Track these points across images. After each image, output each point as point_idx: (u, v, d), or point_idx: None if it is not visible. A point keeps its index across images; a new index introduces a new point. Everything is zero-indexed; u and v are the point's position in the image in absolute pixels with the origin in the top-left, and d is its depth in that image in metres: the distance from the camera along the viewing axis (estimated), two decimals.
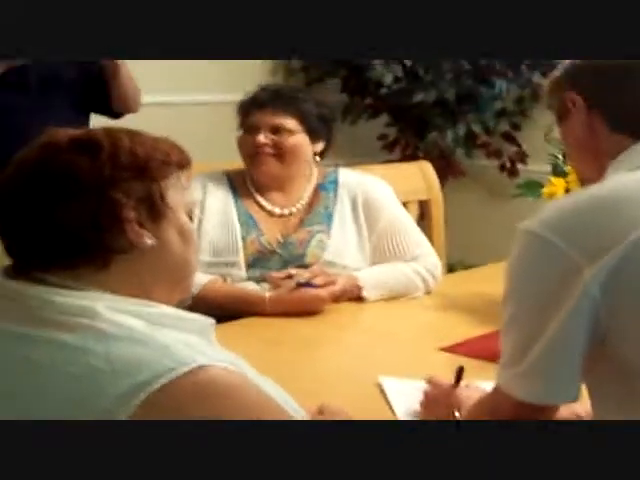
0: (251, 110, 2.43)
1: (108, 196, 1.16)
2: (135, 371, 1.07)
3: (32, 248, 1.19)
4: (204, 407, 1.07)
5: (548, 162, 2.27)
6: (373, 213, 2.46)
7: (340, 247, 2.42)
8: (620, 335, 1.24)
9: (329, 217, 2.45)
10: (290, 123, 2.40)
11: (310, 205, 2.47)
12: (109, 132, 1.22)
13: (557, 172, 2.20)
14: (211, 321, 1.24)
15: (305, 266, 2.36)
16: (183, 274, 1.26)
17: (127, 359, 1.08)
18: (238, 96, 2.50)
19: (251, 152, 2.42)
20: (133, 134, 1.23)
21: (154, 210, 1.19)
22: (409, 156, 4.33)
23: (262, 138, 2.37)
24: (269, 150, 2.38)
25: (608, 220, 1.24)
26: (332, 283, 2.26)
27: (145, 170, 1.19)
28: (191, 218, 1.27)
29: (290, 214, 2.46)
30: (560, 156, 2.25)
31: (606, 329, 1.24)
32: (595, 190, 1.30)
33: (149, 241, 1.18)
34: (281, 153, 2.39)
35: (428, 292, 2.43)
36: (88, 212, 1.15)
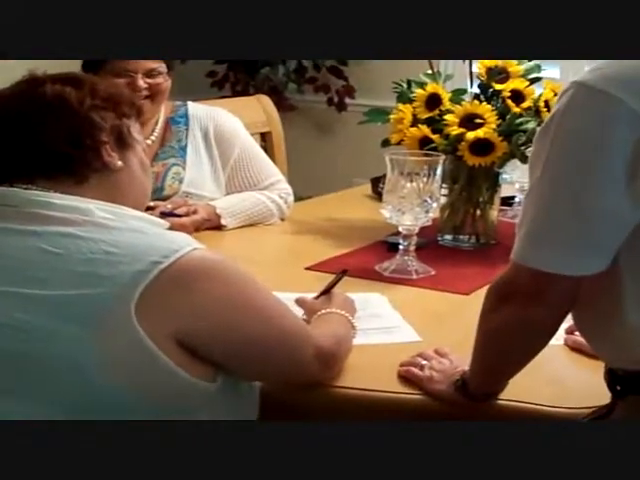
0: None
1: (89, 120, 1.33)
2: (144, 254, 1.22)
3: (19, 161, 1.33)
4: (210, 274, 1.27)
5: (393, 91, 2.36)
6: (225, 144, 2.54)
7: (196, 178, 2.49)
8: None
9: (183, 150, 2.51)
10: (162, 66, 2.42)
11: (163, 139, 2.51)
12: (83, 74, 1.45)
13: (403, 99, 2.30)
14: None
15: (163, 199, 2.41)
16: (143, 199, 1.44)
17: (134, 244, 1.23)
18: None
19: None
20: (102, 79, 1.44)
21: (122, 139, 1.37)
22: (240, 92, 4.40)
23: (142, 83, 2.37)
24: (145, 93, 2.39)
25: None
26: (194, 212, 2.34)
27: (117, 105, 1.37)
28: None
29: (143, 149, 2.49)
30: (404, 84, 2.36)
31: None
32: None
33: (119, 163, 1.36)
34: (154, 95, 2.41)
35: (282, 219, 2.54)
36: (72, 132, 1.32)
